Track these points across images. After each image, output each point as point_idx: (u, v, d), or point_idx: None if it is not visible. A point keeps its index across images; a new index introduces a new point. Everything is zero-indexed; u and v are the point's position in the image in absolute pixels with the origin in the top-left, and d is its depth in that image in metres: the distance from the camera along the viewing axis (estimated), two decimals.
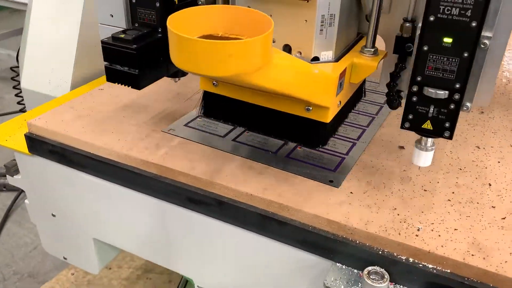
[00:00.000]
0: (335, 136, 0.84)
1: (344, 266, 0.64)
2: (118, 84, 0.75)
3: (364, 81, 0.76)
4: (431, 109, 0.54)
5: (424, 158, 0.62)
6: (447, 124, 0.54)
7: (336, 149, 0.81)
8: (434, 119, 0.54)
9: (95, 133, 0.83)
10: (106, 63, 0.74)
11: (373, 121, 0.90)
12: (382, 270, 0.61)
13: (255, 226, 0.69)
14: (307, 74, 0.59)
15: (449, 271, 0.59)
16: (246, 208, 0.69)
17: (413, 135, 0.85)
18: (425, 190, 0.71)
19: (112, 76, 0.74)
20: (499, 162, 0.79)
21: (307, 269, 0.68)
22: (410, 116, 0.57)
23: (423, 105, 0.55)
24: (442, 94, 0.52)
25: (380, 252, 0.62)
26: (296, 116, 0.63)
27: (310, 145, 0.68)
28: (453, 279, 0.58)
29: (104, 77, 0.75)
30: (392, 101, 0.64)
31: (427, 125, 0.55)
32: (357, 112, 0.93)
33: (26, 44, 1.15)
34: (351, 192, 0.70)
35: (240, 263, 0.75)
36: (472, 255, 0.59)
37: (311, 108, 0.61)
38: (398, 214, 0.66)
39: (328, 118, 0.62)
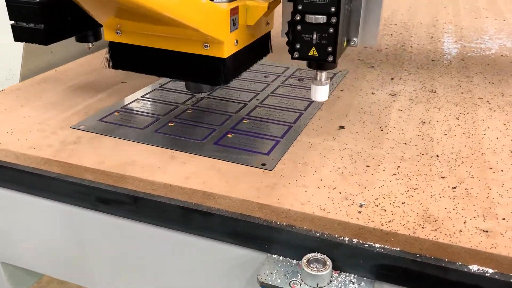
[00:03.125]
0: (271, 120, 0.76)
1: (281, 258, 0.55)
2: (25, 42, 0.74)
3: (269, 36, 0.77)
4: (314, 35, 0.58)
5: (321, 92, 0.64)
6: (329, 49, 0.58)
7: (270, 133, 0.72)
8: (318, 45, 0.58)
9: None
10: (12, 22, 0.73)
11: (310, 105, 0.82)
12: (324, 256, 0.52)
13: (177, 222, 0.59)
14: (196, 1, 0.59)
15: (398, 249, 0.51)
16: (165, 202, 0.59)
17: (353, 116, 0.78)
18: (367, 166, 0.63)
19: (19, 35, 0.74)
20: (445, 134, 0.73)
21: (242, 266, 0.58)
22: (298, 46, 0.59)
23: (307, 32, 0.58)
24: (321, 18, 0.57)
25: (319, 235, 0.53)
26: (196, 55, 0.64)
27: (212, 82, 0.68)
28: (403, 257, 0.50)
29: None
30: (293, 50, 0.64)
31: (313, 52, 0.59)
32: (294, 97, 0.86)
33: None
34: (285, 174, 0.61)
35: (166, 270, 0.64)
36: (423, 227, 0.51)
37: (208, 45, 0.63)
38: (340, 193, 0.57)
39: (224, 53, 0.63)
